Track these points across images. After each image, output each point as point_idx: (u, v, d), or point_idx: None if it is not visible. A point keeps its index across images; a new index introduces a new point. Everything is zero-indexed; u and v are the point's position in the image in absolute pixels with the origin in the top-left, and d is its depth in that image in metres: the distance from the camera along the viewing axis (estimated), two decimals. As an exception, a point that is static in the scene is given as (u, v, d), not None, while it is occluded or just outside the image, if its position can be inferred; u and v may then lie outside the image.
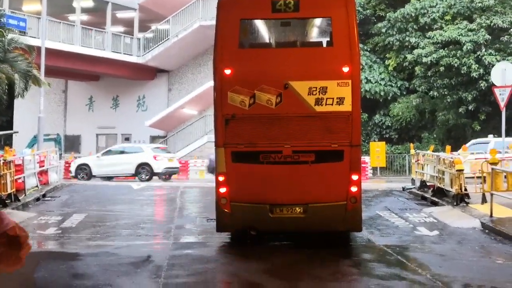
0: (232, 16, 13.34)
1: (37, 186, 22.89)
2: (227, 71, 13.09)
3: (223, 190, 13.14)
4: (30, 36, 35.47)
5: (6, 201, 18.61)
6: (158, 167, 34.27)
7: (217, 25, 13.38)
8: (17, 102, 44.24)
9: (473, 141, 31.44)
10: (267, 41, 14.95)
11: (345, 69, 12.90)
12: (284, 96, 12.90)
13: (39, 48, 31.95)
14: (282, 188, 12.97)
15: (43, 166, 24.66)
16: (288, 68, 13.10)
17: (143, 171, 34.15)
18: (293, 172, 13.00)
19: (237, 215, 13.07)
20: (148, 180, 33.49)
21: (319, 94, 12.83)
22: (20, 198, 19.81)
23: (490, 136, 31.97)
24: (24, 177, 21.09)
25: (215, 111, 13.40)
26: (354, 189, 12.96)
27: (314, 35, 15.10)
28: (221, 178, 13.16)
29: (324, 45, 14.21)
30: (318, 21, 14.35)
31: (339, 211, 12.87)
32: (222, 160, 13.14)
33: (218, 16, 13.40)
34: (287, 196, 12.97)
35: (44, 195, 22.12)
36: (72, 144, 48.54)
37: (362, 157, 32.69)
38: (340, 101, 12.82)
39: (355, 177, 12.97)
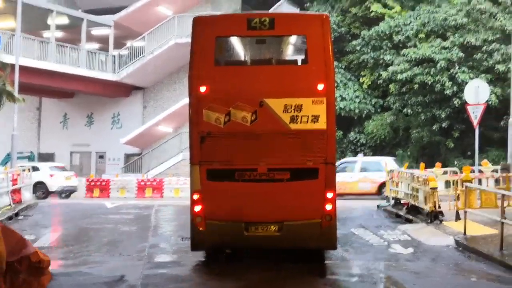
0: (207, 33, 13.28)
1: (10, 204, 22.69)
2: (202, 89, 13.04)
3: (198, 208, 13.05)
4: (4, 53, 35.19)
5: (-22, 220, 18.43)
6: (53, 185, 34.49)
7: (193, 42, 13.33)
8: (-10, 119, 43.89)
9: (342, 160, 32.32)
10: (243, 58, 14.93)
11: (320, 87, 12.90)
12: (260, 113, 12.89)
13: (13, 65, 31.73)
14: (257, 206, 12.89)
15: (16, 184, 24.42)
16: (264, 86, 13.08)
17: (40, 189, 34.12)
18: (268, 190, 12.92)
19: (212, 233, 12.98)
20: (44, 198, 33.32)
21: (294, 112, 12.82)
22: (-8, 217, 19.63)
23: (360, 155, 32.95)
24: (-4, 195, 20.92)
25: (190, 129, 13.34)
26: (329, 207, 12.90)
27: (289, 52, 15.05)
28: (196, 196, 13.06)
29: (299, 62, 14.18)
30: (293, 39, 14.30)
31: (314, 229, 12.82)
32: (197, 178, 13.06)
33: (193, 33, 13.35)
34: (262, 214, 12.92)
35: (17, 214, 21.90)
36: (46, 162, 48.15)
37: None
38: (315, 118, 12.83)
39: (330, 195, 12.92)
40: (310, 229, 12.84)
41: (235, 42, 14.33)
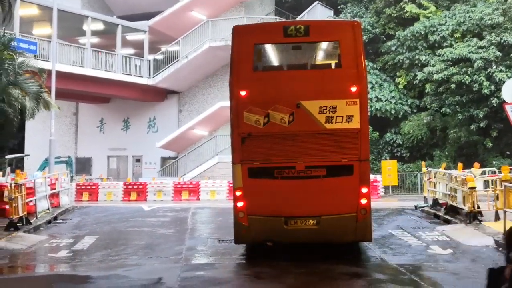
0: (246, 41, 14.28)
1: (48, 209, 22.92)
2: (243, 93, 13.97)
3: (240, 204, 13.92)
4: (41, 60, 35.61)
5: (18, 224, 18.65)
6: None
7: (233, 49, 14.27)
8: (28, 124, 44.40)
9: None
10: (279, 64, 15.67)
11: (353, 89, 13.75)
12: (297, 115, 13.77)
13: (50, 71, 32.06)
14: (296, 201, 13.73)
15: (54, 188, 24.67)
16: (300, 89, 13.92)
17: None
18: (306, 186, 13.74)
19: (254, 227, 13.84)
20: None
21: (329, 113, 13.71)
22: (31, 221, 19.83)
23: None
24: (35, 200, 21.12)
25: (231, 130, 14.23)
26: (364, 201, 13.77)
27: (323, 57, 15.70)
28: (238, 193, 13.96)
29: (333, 66, 14.88)
30: (326, 45, 15.07)
31: (350, 222, 13.67)
32: (239, 176, 13.96)
33: (233, 41, 14.36)
34: (300, 209, 13.73)
35: (55, 218, 22.14)
36: (83, 166, 48.60)
37: (374, 176, 32.63)
38: (349, 118, 13.71)
39: (364, 190, 13.80)
40: (346, 222, 13.67)
41: (273, 48, 15.14)
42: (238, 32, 14.43)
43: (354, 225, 13.67)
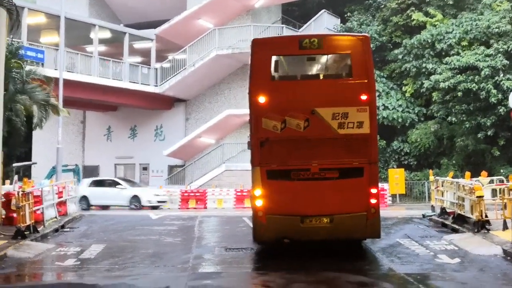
0: (264, 53, 15.43)
1: (55, 217, 22.90)
2: (261, 100, 15.14)
3: (259, 204, 15.00)
4: (48, 68, 35.69)
5: (25, 233, 18.62)
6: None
7: (252, 60, 15.45)
8: (36, 133, 44.46)
9: None
10: (295, 73, 16.66)
11: (363, 97, 14.89)
12: (311, 121, 14.97)
13: (57, 79, 32.14)
14: (311, 201, 14.82)
15: (62, 197, 24.65)
16: (314, 97, 15.13)
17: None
18: (320, 187, 14.90)
19: (272, 225, 14.90)
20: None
21: (342, 119, 14.90)
22: (39, 229, 19.80)
23: None
24: (42, 208, 21.10)
25: (250, 135, 15.46)
26: (373, 201, 14.95)
27: (335, 68, 16.58)
28: (257, 194, 15.06)
29: (344, 76, 15.80)
30: (339, 56, 16.11)
31: (360, 220, 14.81)
32: (258, 177, 15.07)
33: (252, 53, 15.49)
34: (315, 208, 14.83)
35: (63, 226, 22.11)
36: (90, 174, 48.49)
37: (381, 184, 32.58)
38: (360, 124, 14.91)
39: (374, 191, 14.98)
40: (357, 221, 14.79)
41: (289, 60, 16.21)
42: (257, 44, 15.65)
43: (365, 223, 14.78)
